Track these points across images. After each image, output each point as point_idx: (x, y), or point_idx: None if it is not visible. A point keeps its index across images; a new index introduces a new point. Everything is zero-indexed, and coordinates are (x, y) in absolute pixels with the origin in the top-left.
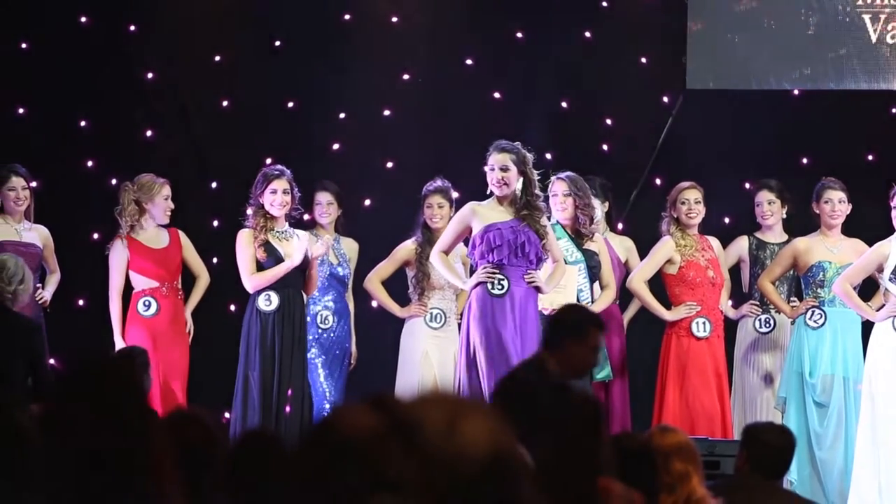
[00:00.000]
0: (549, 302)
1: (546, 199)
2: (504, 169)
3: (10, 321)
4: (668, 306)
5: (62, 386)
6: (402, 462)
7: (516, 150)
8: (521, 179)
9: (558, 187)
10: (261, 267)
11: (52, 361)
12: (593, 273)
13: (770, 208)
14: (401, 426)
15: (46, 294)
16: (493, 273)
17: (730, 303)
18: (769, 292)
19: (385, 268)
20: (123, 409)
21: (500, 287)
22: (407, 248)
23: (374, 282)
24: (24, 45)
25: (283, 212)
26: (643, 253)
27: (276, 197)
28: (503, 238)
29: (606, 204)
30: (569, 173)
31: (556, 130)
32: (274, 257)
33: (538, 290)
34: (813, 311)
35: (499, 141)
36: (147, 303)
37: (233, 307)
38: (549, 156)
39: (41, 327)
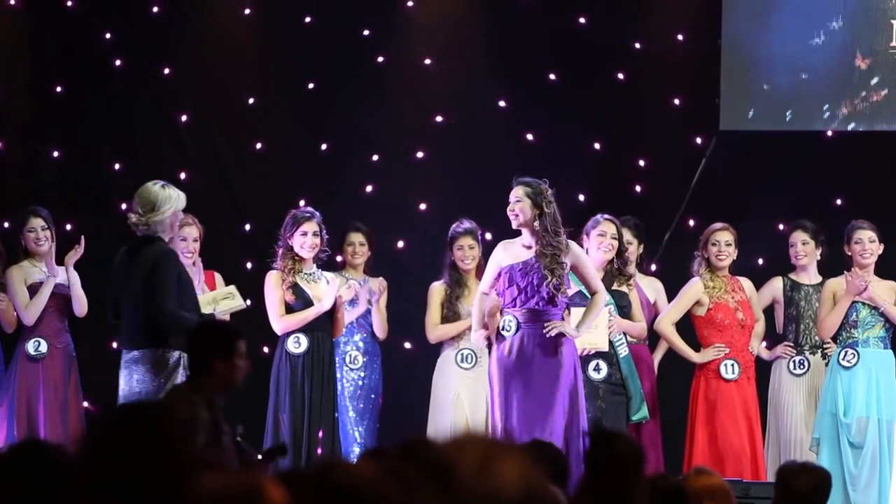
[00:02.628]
0: (581, 343)
1: (571, 234)
2: (517, 200)
3: (141, 248)
4: (697, 348)
5: (97, 431)
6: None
7: (532, 183)
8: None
9: (606, 228)
10: (290, 309)
11: (85, 404)
12: (624, 314)
13: (804, 249)
14: (435, 469)
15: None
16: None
17: (763, 344)
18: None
19: (434, 314)
20: (160, 468)
21: (507, 329)
22: (438, 290)
23: (437, 331)
24: (58, 89)
25: (313, 254)
26: (674, 295)
27: (307, 239)
28: (513, 280)
29: (641, 245)
30: (611, 215)
31: (590, 172)
32: (302, 299)
33: (562, 335)
34: (846, 352)
35: (519, 176)
36: None
37: (266, 349)
38: (581, 197)
39: (167, 254)
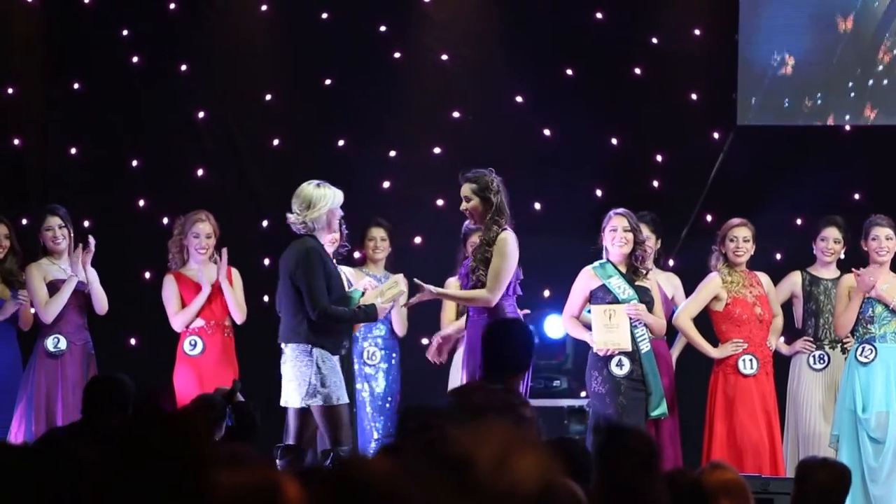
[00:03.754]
0: (604, 342)
1: (588, 229)
2: (466, 199)
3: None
4: (715, 343)
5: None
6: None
7: (477, 176)
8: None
9: (618, 222)
10: None
11: None
12: (647, 309)
13: (835, 246)
14: (452, 465)
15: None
16: None
17: (782, 339)
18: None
19: (450, 310)
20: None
21: None
22: (453, 286)
23: (452, 327)
24: (76, 86)
25: (332, 249)
26: (692, 290)
27: (333, 236)
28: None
29: (659, 241)
30: (625, 209)
31: (607, 167)
32: None
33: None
34: (864, 347)
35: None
36: (193, 342)
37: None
38: (599, 192)
39: (306, 253)
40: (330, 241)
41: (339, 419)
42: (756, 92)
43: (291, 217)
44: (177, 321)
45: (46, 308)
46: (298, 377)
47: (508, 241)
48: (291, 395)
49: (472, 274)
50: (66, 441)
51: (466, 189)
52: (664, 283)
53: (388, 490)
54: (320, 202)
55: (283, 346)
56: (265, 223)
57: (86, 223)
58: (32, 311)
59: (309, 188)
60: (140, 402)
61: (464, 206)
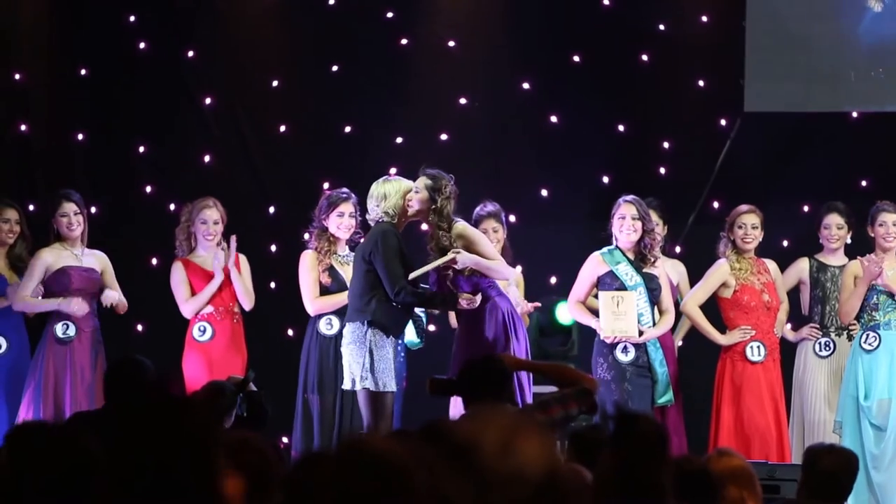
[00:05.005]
0: (611, 330)
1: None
2: (416, 190)
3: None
4: (723, 330)
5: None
6: (460, 484)
7: (434, 175)
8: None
9: (627, 210)
10: (325, 291)
11: None
12: (654, 297)
13: (838, 233)
14: (456, 450)
15: (114, 296)
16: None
17: (788, 326)
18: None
19: None
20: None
21: None
22: None
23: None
24: (83, 72)
25: (348, 235)
26: (699, 276)
27: (343, 220)
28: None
29: (665, 227)
30: (634, 196)
31: (614, 154)
32: (338, 282)
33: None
34: (868, 335)
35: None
36: (202, 328)
37: (290, 332)
38: (606, 179)
39: (380, 235)
40: (346, 228)
41: (382, 407)
42: (764, 78)
43: (371, 214)
44: (187, 308)
45: (186, 305)
46: (355, 360)
47: (468, 226)
48: (349, 378)
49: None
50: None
51: (420, 182)
52: (670, 269)
53: (394, 467)
54: (392, 191)
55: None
56: (272, 209)
57: (93, 209)
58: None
59: (378, 183)
60: (149, 387)
61: (411, 194)
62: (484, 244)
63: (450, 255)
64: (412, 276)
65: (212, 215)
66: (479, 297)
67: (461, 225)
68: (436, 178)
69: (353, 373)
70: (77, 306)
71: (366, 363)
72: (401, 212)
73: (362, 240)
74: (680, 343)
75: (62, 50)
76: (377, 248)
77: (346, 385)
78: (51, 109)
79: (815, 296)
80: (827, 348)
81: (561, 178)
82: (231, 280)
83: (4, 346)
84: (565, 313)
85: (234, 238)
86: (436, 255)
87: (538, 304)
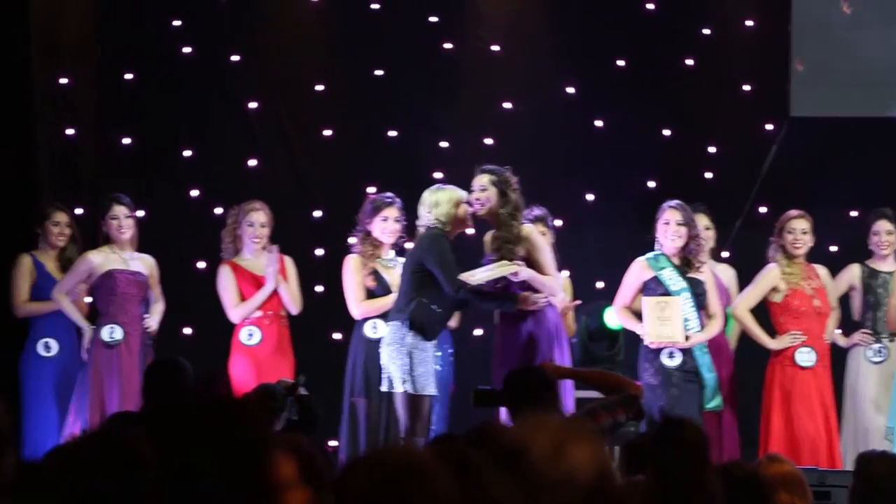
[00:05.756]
0: (657, 335)
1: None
2: (482, 189)
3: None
4: (772, 334)
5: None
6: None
7: (496, 170)
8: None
9: (671, 216)
10: (370, 294)
11: None
12: (699, 301)
13: (888, 238)
14: (506, 455)
15: (153, 323)
16: None
17: (839, 331)
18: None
19: None
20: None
21: None
22: None
23: None
24: (129, 76)
25: (393, 239)
26: (746, 281)
27: (388, 224)
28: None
29: (714, 232)
30: (679, 202)
31: (659, 159)
32: (382, 286)
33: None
34: None
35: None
36: (250, 332)
37: (336, 335)
38: (651, 184)
39: (429, 239)
40: (391, 233)
41: (420, 409)
42: (810, 82)
43: (421, 220)
44: (235, 314)
45: (234, 310)
46: (393, 362)
47: (536, 232)
48: (386, 380)
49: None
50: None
51: (484, 179)
52: (721, 273)
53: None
54: (444, 198)
55: (386, 325)
56: (317, 213)
57: (139, 213)
58: (87, 299)
59: (430, 191)
60: (199, 388)
61: (477, 194)
62: (545, 254)
63: (513, 268)
64: (470, 280)
65: (259, 218)
66: (542, 299)
67: (529, 227)
68: (499, 173)
69: (392, 374)
70: (86, 340)
71: (405, 365)
72: (452, 220)
73: (407, 245)
74: (733, 347)
75: (109, 54)
76: (430, 250)
77: (384, 387)
78: (97, 113)
79: (867, 301)
80: (879, 354)
81: (606, 182)
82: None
83: (56, 348)
84: (614, 318)
85: (276, 247)
86: (497, 258)
87: (579, 302)
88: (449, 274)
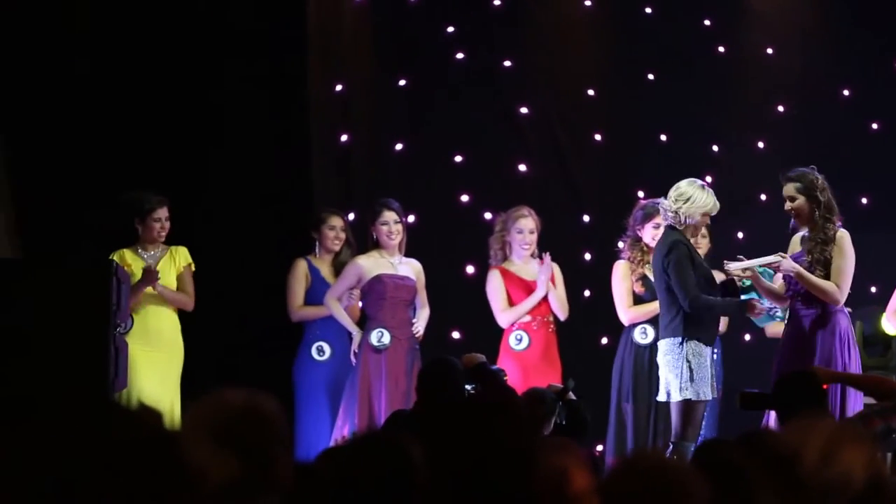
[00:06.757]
0: None
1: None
2: (791, 199)
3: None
4: None
5: (456, 417)
6: (781, 494)
7: (800, 175)
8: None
9: None
10: (638, 300)
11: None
12: None
13: None
14: (778, 460)
15: (420, 327)
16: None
17: None
18: None
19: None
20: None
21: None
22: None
23: None
24: (401, 82)
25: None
26: None
27: (658, 232)
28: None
29: None
30: None
31: None
32: (651, 291)
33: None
34: None
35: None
36: (519, 337)
37: (604, 340)
38: None
39: (673, 245)
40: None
41: (692, 415)
42: None
43: (665, 203)
44: (504, 318)
45: (503, 314)
46: (672, 371)
47: (847, 239)
48: (664, 390)
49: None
50: (398, 430)
51: (790, 188)
52: None
53: (677, 480)
54: (699, 201)
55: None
56: (586, 218)
57: (410, 218)
58: (360, 304)
59: (694, 186)
60: (477, 382)
61: (788, 205)
62: (845, 260)
63: (775, 258)
64: (732, 267)
65: (527, 224)
66: (766, 304)
67: (843, 233)
68: (803, 177)
69: (670, 384)
70: (355, 344)
71: (684, 374)
72: (694, 223)
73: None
74: None
75: (382, 61)
76: (667, 259)
77: (661, 397)
78: (370, 119)
79: None
80: None
81: (882, 185)
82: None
83: (328, 352)
84: (889, 323)
85: (547, 255)
86: (809, 259)
87: (849, 310)
88: (685, 286)
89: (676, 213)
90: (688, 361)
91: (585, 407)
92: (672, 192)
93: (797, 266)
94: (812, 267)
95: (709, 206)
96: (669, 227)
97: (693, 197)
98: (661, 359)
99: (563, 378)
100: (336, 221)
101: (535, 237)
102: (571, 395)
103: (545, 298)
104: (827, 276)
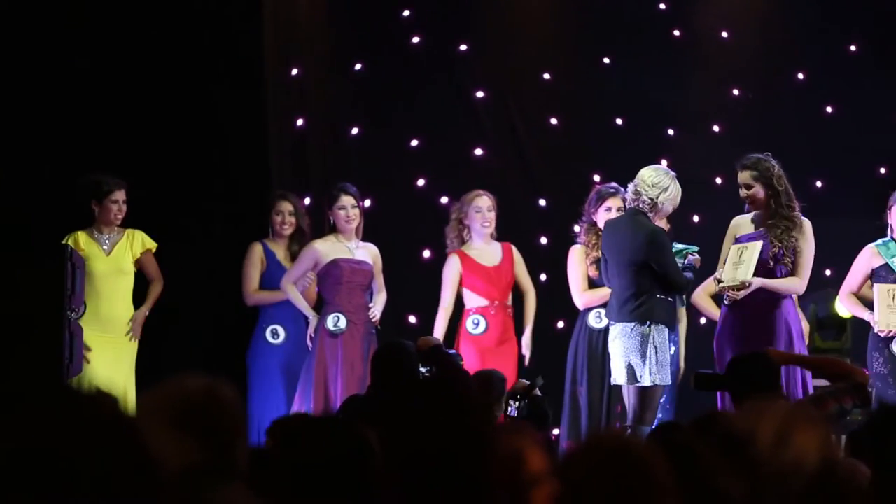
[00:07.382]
0: (887, 324)
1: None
2: (747, 187)
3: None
4: None
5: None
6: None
7: (755, 162)
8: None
9: None
10: (593, 284)
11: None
12: None
13: None
14: (731, 443)
15: (377, 312)
16: None
17: None
18: None
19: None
20: (464, 440)
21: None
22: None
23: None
24: (357, 66)
25: None
26: None
27: (611, 215)
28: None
29: None
30: None
31: (890, 145)
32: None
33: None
34: None
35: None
36: (476, 321)
37: (560, 324)
38: (882, 170)
39: (656, 232)
40: None
41: (650, 400)
42: None
43: (638, 188)
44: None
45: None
46: (637, 356)
47: (810, 228)
48: (620, 374)
49: (779, 261)
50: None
51: (746, 176)
52: None
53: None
54: (674, 192)
55: (611, 324)
56: (542, 202)
57: (367, 202)
58: (316, 288)
59: (669, 176)
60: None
61: (744, 193)
62: (809, 251)
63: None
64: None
65: (484, 202)
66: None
67: (807, 222)
68: (758, 164)
69: (636, 369)
70: (311, 329)
71: (651, 359)
72: (661, 212)
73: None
74: None
75: (338, 45)
76: (653, 249)
77: (621, 381)
78: (327, 103)
79: None
80: None
81: (835, 169)
82: (506, 273)
83: (283, 335)
84: (842, 306)
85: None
86: (785, 242)
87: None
88: (679, 275)
89: (653, 200)
90: (654, 347)
91: (548, 402)
92: (647, 179)
93: (763, 281)
94: (782, 253)
95: (679, 197)
96: (639, 213)
97: (670, 187)
98: (619, 342)
99: (536, 375)
100: (284, 206)
101: (493, 215)
102: (537, 392)
103: (505, 282)
104: (795, 263)
